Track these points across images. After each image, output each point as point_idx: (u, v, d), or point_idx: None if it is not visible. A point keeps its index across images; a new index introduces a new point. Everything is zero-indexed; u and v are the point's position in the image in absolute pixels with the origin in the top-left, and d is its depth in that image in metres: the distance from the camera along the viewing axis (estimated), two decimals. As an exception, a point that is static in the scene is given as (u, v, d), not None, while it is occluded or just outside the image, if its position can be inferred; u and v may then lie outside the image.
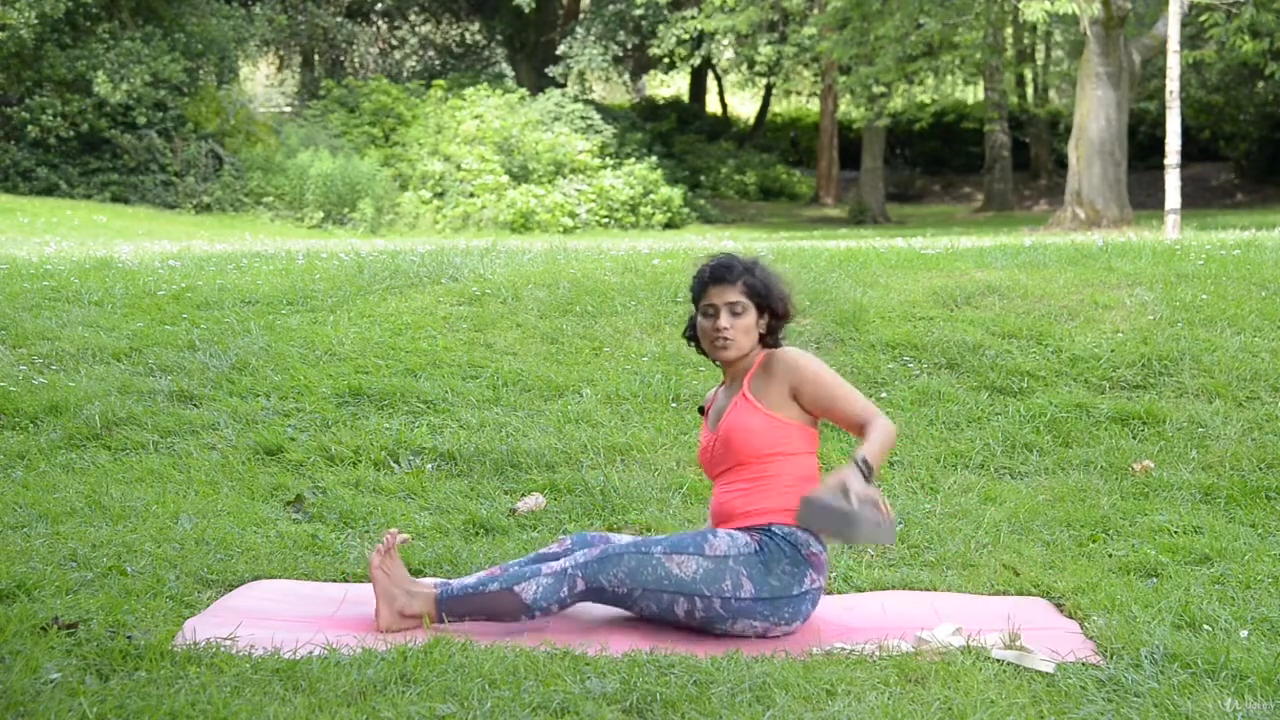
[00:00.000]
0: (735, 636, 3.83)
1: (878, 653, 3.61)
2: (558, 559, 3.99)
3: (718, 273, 4.06)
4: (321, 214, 23.57)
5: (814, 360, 4.03)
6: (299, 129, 26.06)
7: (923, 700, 3.26)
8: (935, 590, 4.32)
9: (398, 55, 35.39)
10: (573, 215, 25.31)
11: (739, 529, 3.91)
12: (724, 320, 4.03)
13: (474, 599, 3.84)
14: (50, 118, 23.14)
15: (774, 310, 4.07)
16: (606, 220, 25.75)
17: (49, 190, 23.10)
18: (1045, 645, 3.67)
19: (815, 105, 36.87)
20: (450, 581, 3.96)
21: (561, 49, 29.37)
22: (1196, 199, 27.12)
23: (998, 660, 3.55)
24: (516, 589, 3.82)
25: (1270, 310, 7.11)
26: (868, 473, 3.73)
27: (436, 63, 34.39)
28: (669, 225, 26.13)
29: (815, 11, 26.27)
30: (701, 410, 4.25)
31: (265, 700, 3.15)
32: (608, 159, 27.20)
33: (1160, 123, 22.24)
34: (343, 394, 6.15)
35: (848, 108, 29.94)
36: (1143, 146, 28.97)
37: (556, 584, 3.83)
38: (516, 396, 6.21)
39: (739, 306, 4.03)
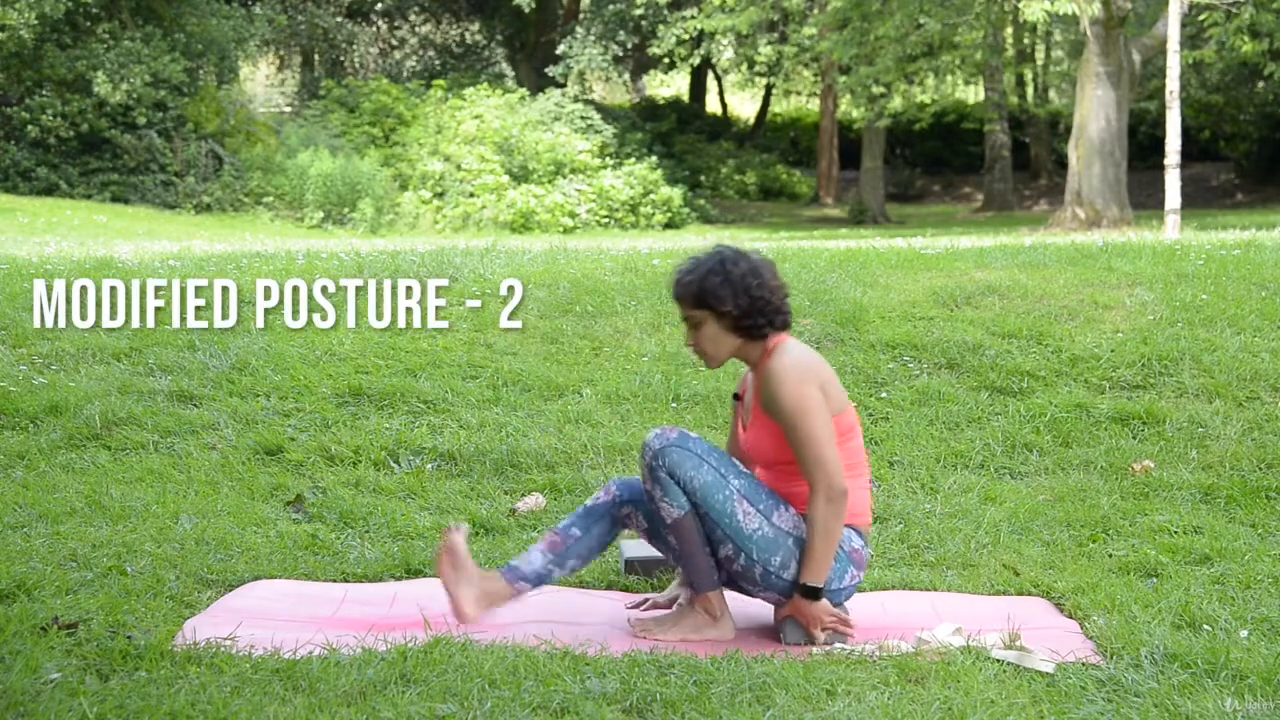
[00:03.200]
0: (751, 597, 3.91)
1: (878, 653, 3.62)
2: (606, 509, 3.95)
3: (671, 290, 3.99)
4: (321, 214, 23.56)
5: (794, 395, 3.76)
6: (299, 129, 26.05)
7: (923, 700, 3.27)
8: (935, 590, 4.32)
9: (398, 55, 35.38)
10: (573, 215, 25.30)
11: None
12: (689, 337, 3.97)
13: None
14: (50, 118, 23.14)
15: (725, 311, 3.86)
16: (606, 220, 25.74)
17: (49, 190, 23.09)
18: (1045, 645, 3.67)
19: (815, 105, 36.85)
20: (519, 568, 3.88)
21: (561, 49, 29.35)
22: (1196, 199, 27.12)
23: (998, 660, 3.56)
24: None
25: (1270, 310, 7.11)
26: (815, 596, 3.76)
27: (436, 63, 34.37)
28: (669, 225, 26.12)
29: (815, 11, 26.26)
30: (736, 396, 4.09)
31: (265, 700, 3.15)
32: (608, 159, 27.19)
33: (1160, 123, 22.24)
34: (343, 394, 6.15)
35: (848, 108, 29.95)
36: (1143, 146, 28.96)
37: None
38: (516, 396, 6.21)
39: (693, 319, 3.92)
